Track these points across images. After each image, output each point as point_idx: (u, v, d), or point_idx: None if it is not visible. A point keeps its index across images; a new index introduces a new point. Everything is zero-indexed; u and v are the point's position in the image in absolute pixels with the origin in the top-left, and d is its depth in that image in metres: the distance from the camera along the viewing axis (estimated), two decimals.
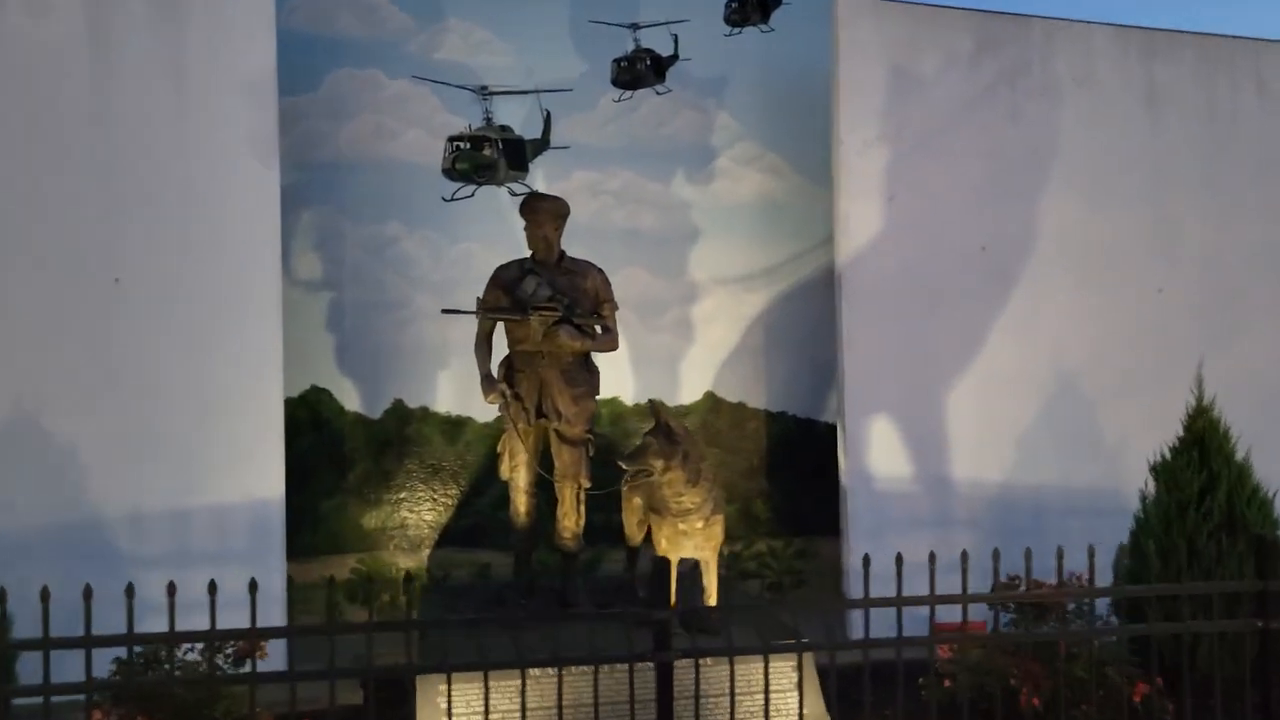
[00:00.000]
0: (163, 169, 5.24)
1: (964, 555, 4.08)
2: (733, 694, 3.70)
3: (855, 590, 3.95)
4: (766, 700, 3.78)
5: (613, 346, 5.34)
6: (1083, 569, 4.26)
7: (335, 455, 6.29)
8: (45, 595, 3.56)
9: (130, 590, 3.64)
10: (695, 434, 4.67)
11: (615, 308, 5.34)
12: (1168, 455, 5.09)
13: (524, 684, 3.65)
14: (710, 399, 6.73)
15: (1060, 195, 6.11)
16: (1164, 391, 6.10)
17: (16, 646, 3.72)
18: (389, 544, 6.35)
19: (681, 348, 6.73)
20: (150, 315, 5.23)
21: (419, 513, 6.39)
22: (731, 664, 3.70)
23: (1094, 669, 4.15)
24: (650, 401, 4.77)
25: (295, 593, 4.87)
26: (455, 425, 6.45)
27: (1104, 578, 4.48)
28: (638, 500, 5.10)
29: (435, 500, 6.39)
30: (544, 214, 5.25)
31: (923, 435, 6.03)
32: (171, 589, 3.65)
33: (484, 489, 6.45)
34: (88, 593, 3.57)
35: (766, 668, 3.80)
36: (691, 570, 5.06)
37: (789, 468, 6.84)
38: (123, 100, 5.20)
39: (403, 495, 6.38)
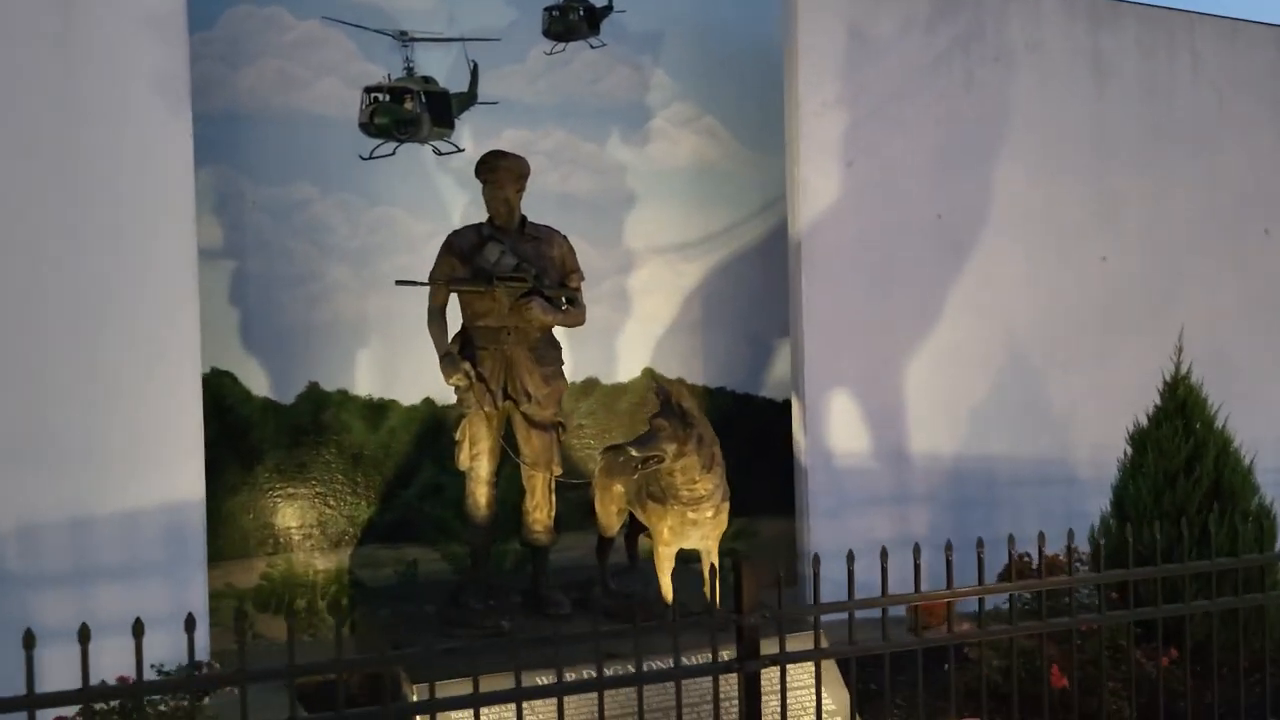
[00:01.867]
0: (46, 115, 4.40)
1: (979, 542, 3.82)
2: (784, 695, 3.36)
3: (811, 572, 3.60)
4: (819, 701, 3.47)
5: (581, 321, 4.90)
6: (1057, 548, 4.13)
7: (241, 446, 5.54)
8: None
9: (30, 640, 2.79)
10: (705, 415, 4.29)
11: (583, 278, 4.90)
12: (1143, 423, 5.07)
13: (561, 706, 3.15)
14: (648, 375, 6.34)
15: (1011, 163, 6.04)
16: (1109, 362, 6.19)
17: None
18: (305, 544, 5.66)
19: (618, 321, 6.30)
20: (38, 290, 4.38)
21: (338, 507, 5.73)
22: (784, 668, 3.35)
23: (1109, 648, 4.05)
24: (655, 382, 4.36)
25: None
26: (378, 409, 5.81)
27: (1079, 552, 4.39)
28: (618, 487, 4.68)
29: (356, 493, 5.74)
30: (505, 174, 4.73)
31: (880, 410, 5.86)
32: (85, 635, 2.78)
33: (410, 479, 5.86)
34: (29, 641, 2.81)
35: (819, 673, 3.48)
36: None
37: (728, 445, 6.45)
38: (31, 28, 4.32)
39: (319, 489, 5.69)
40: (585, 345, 6.12)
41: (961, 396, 6.00)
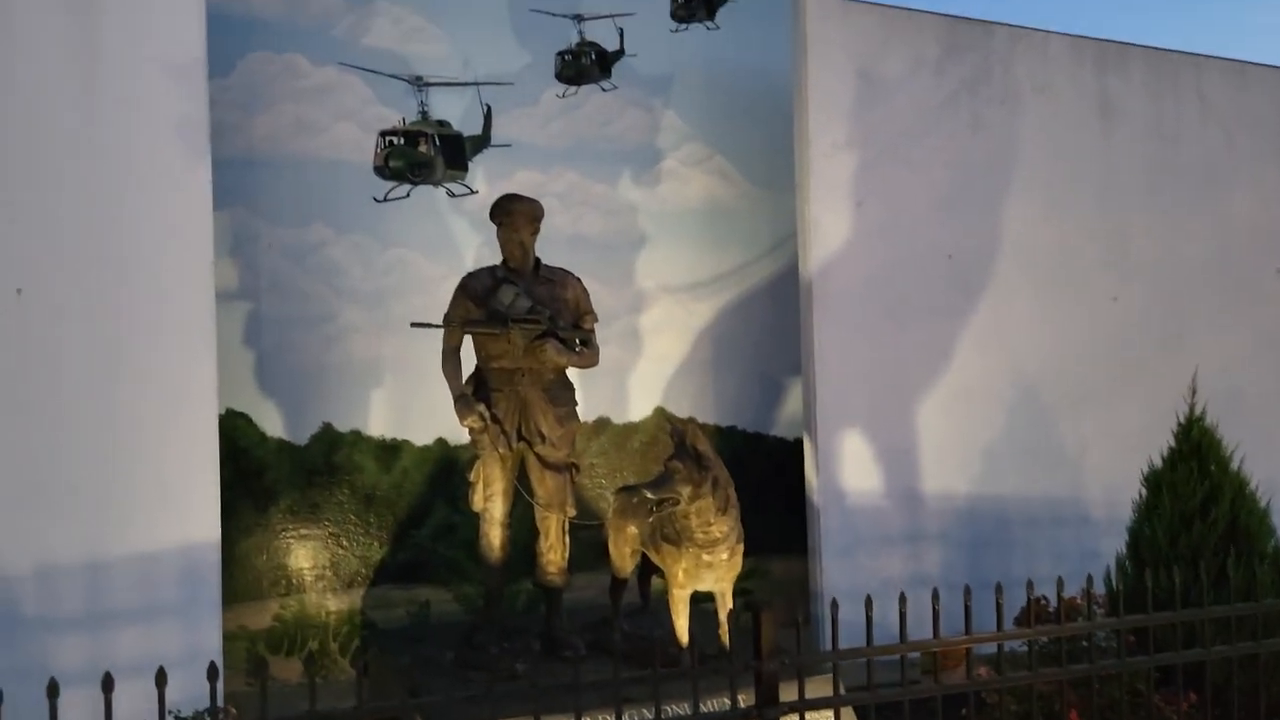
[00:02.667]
0: (72, 164, 4.45)
1: (998, 588, 3.84)
2: None
3: (825, 613, 3.61)
4: None
5: (595, 362, 4.93)
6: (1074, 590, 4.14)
7: (255, 488, 5.55)
8: None
9: (54, 690, 2.77)
10: (719, 456, 4.29)
11: (596, 319, 4.93)
12: (1157, 464, 5.05)
13: None
14: (660, 414, 6.36)
15: (1021, 204, 6.07)
16: (1120, 401, 6.19)
17: None
18: (318, 585, 5.66)
19: (630, 360, 6.32)
20: (58, 332, 4.42)
21: (350, 548, 5.73)
22: (802, 715, 3.34)
23: (1129, 693, 4.03)
24: (670, 424, 4.38)
25: None
26: (390, 450, 5.82)
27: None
28: (632, 529, 4.69)
29: (369, 534, 5.75)
30: (520, 216, 4.78)
31: (892, 449, 5.86)
32: (108, 684, 2.79)
33: (422, 520, 5.86)
34: (53, 691, 2.80)
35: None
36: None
37: (739, 484, 6.47)
38: (24, 82, 4.38)
39: (333, 530, 5.70)
40: (597, 384, 6.12)
41: (974, 436, 6.00)
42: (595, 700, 3.29)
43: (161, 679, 2.76)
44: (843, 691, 3.52)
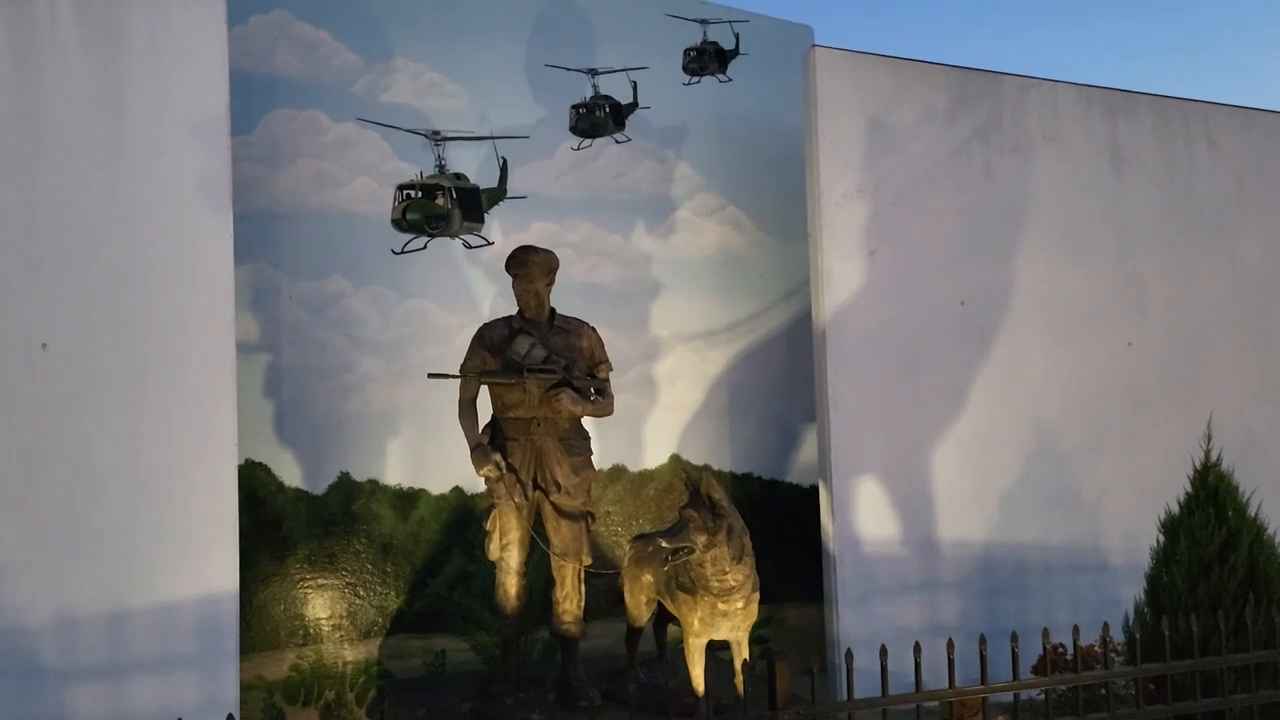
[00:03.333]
0: (97, 219, 4.54)
1: (1014, 636, 3.85)
2: None
3: (841, 663, 3.63)
4: None
5: (610, 410, 4.97)
6: (1080, 631, 4.12)
7: (273, 537, 5.59)
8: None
9: None
10: (734, 504, 4.31)
11: (611, 369, 4.98)
12: (1175, 510, 5.03)
13: None
14: (674, 461, 6.38)
15: (1033, 251, 6.10)
16: (1138, 447, 6.18)
17: None
18: (334, 634, 5.68)
19: (645, 408, 6.36)
20: (82, 386, 4.48)
21: (368, 598, 5.75)
22: None
23: None
24: (685, 472, 4.41)
25: None
26: (407, 499, 5.86)
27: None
28: (647, 577, 4.70)
29: (385, 583, 5.77)
30: (535, 268, 4.85)
31: (908, 496, 5.85)
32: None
33: (439, 568, 5.88)
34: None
35: None
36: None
37: (755, 531, 6.46)
38: (51, 140, 4.49)
39: (350, 579, 5.73)
40: (612, 432, 6.17)
41: (990, 483, 5.99)
42: None
43: None
44: None
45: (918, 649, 3.66)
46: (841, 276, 5.83)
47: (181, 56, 4.72)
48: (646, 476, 6.33)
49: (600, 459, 6.17)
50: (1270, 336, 6.57)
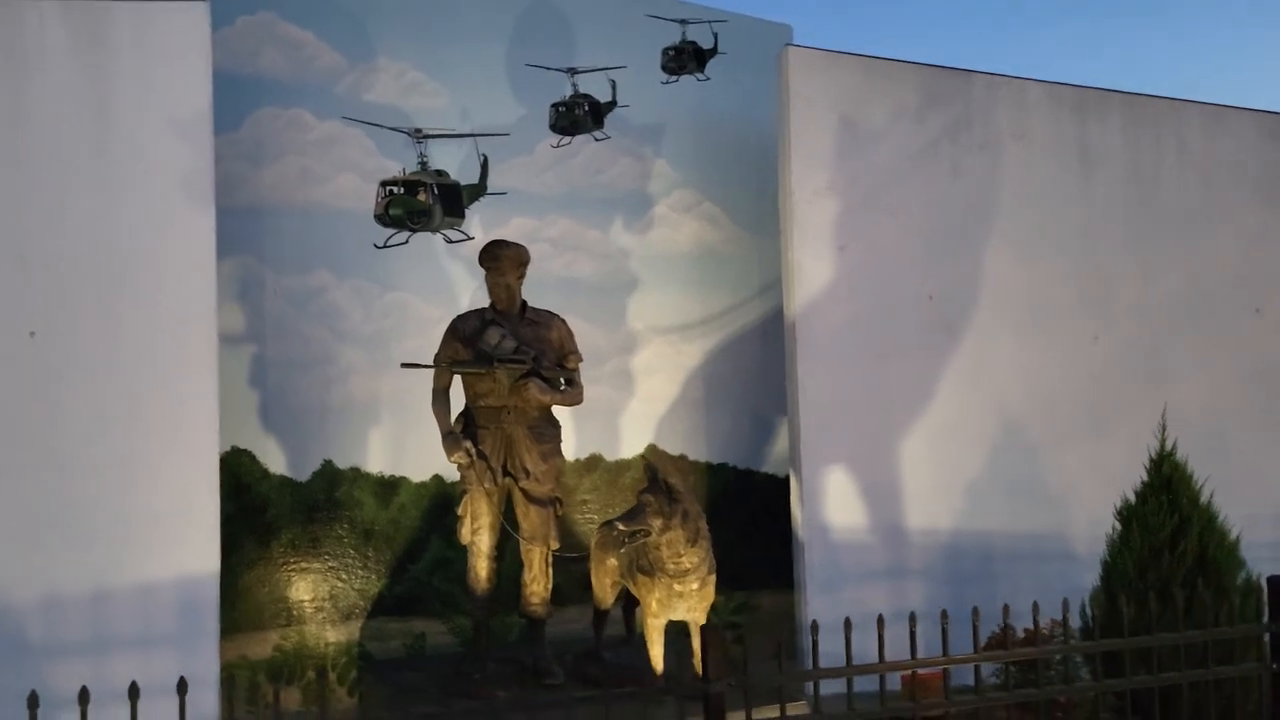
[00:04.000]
0: (84, 212, 4.72)
1: (975, 612, 4.02)
2: None
3: (810, 646, 3.81)
4: None
5: (579, 400, 5.14)
6: (1045, 617, 4.27)
7: (258, 522, 5.78)
8: None
9: (34, 701, 3.09)
10: (691, 490, 4.47)
11: (580, 359, 5.15)
12: (1131, 499, 5.17)
13: None
14: (651, 451, 6.54)
15: (999, 247, 6.23)
16: (1103, 438, 6.29)
17: None
18: (317, 616, 5.86)
19: (621, 400, 6.53)
20: (68, 373, 4.67)
21: (349, 581, 5.93)
22: None
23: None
24: (645, 459, 4.58)
25: None
26: (388, 486, 6.04)
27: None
28: (612, 561, 4.87)
29: (367, 567, 5.95)
30: (506, 262, 5.02)
31: (876, 486, 5.98)
32: (135, 692, 3.15)
33: (419, 554, 6.06)
34: (33, 701, 3.06)
35: None
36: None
37: (729, 520, 6.66)
38: (38, 135, 4.68)
39: (332, 563, 5.91)
40: (589, 423, 6.34)
41: (957, 473, 6.12)
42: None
43: (134, 692, 2.96)
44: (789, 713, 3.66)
45: (881, 621, 3.83)
46: (812, 272, 5.97)
47: (166, 56, 4.89)
48: (623, 466, 6.49)
49: (577, 449, 6.38)
50: (1237, 331, 6.68)
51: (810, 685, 4.11)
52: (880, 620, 3.87)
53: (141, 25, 4.88)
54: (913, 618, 3.90)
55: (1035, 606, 4.12)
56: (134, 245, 4.81)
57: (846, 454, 5.97)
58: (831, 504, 5.94)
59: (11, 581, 4.53)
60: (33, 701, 2.91)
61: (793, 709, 3.87)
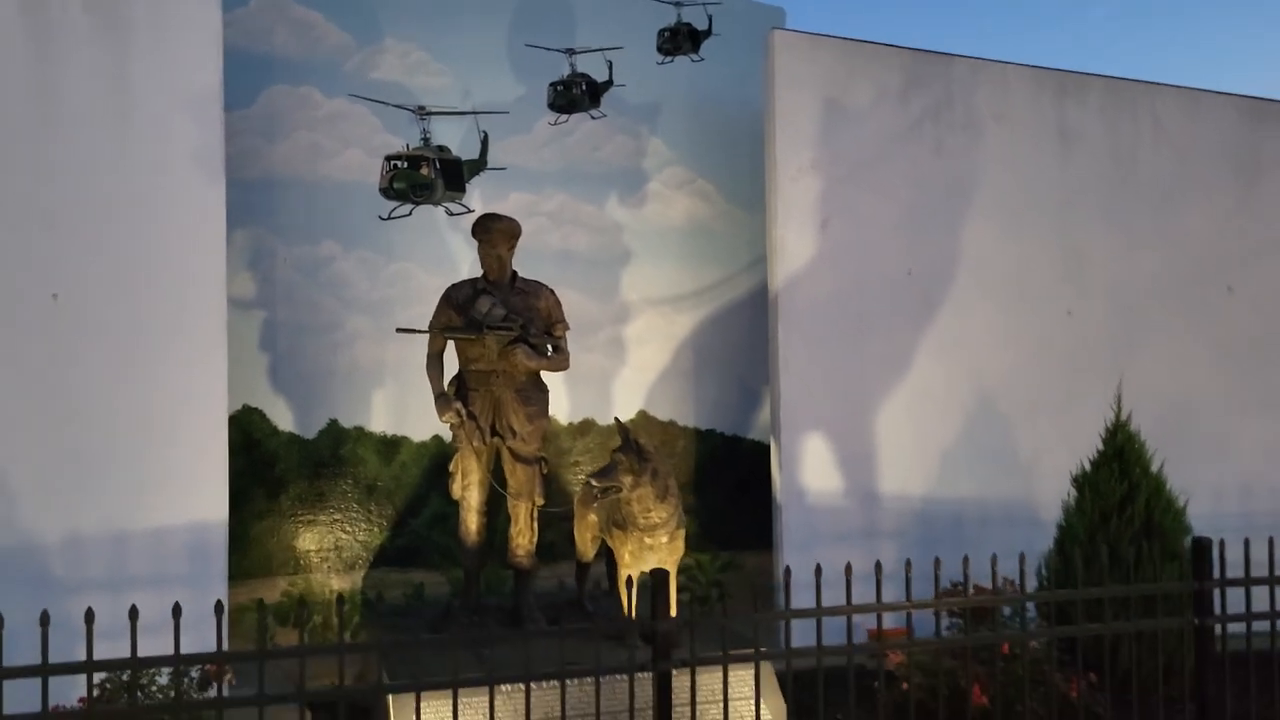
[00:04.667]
0: (104, 183, 5.09)
1: (936, 561, 4.31)
2: (726, 700, 3.81)
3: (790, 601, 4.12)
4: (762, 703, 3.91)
5: (565, 366, 5.43)
6: (1009, 574, 4.57)
7: (268, 476, 6.16)
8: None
9: (90, 616, 3.48)
10: (667, 453, 4.78)
11: (567, 328, 5.44)
12: (1088, 467, 5.44)
13: (492, 699, 3.64)
14: (642, 417, 6.85)
15: (979, 224, 6.47)
16: (1074, 408, 6.55)
17: None
18: (322, 565, 6.24)
19: (614, 367, 6.84)
20: (89, 333, 5.05)
21: (353, 533, 6.31)
22: (726, 671, 3.81)
23: (1030, 668, 4.42)
24: (617, 420, 4.88)
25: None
26: (390, 445, 6.40)
27: (1030, 583, 4.84)
28: (592, 516, 5.18)
29: (370, 521, 6.32)
30: (498, 234, 5.31)
31: (852, 452, 6.28)
32: (134, 613, 3.54)
33: (419, 509, 6.42)
34: (44, 619, 3.44)
35: (757, 673, 3.97)
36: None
37: (717, 484, 7.01)
38: (63, 111, 5.04)
39: (337, 516, 6.28)
40: (583, 389, 6.67)
41: (931, 441, 6.40)
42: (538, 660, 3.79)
43: (134, 614, 3.33)
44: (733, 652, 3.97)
45: (849, 569, 4.13)
46: (794, 246, 6.25)
47: (180, 35, 5.24)
48: (614, 430, 6.78)
49: (571, 413, 6.71)
50: (1209, 308, 6.89)
51: (781, 625, 4.44)
52: (848, 567, 4.16)
53: (157, 6, 5.22)
54: (879, 566, 4.20)
55: (994, 559, 4.40)
56: (150, 215, 5.17)
57: (825, 422, 6.26)
58: (809, 469, 6.25)
59: (37, 524, 4.93)
60: (44, 619, 3.27)
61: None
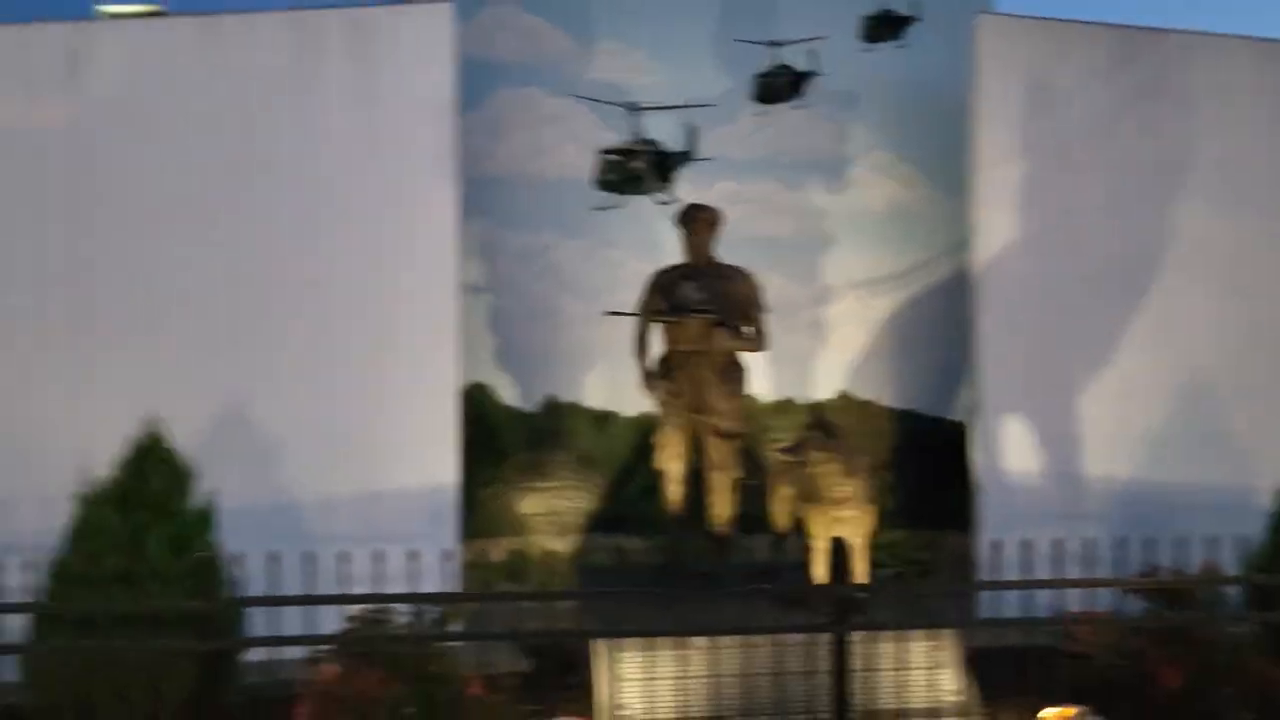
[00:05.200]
0: (354, 182, 5.78)
1: (1102, 545, 4.38)
2: (907, 669, 4.05)
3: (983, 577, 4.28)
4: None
5: (762, 347, 5.73)
6: (1214, 560, 4.54)
7: (492, 446, 6.77)
8: (275, 558, 4.08)
9: (343, 557, 4.09)
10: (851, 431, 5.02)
11: (765, 311, 5.72)
12: None
13: (685, 654, 4.01)
14: (842, 397, 7.06)
15: (1192, 205, 6.30)
16: None
17: (252, 602, 4.22)
18: (540, 529, 6.81)
19: (814, 348, 7.08)
20: (341, 317, 5.75)
21: (567, 500, 6.84)
22: (903, 640, 4.05)
23: (1231, 654, 4.39)
24: (811, 409, 5.17)
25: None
26: (603, 419, 6.90)
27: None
28: (786, 490, 5.46)
29: (583, 489, 6.84)
30: (701, 223, 5.67)
31: (1054, 434, 6.27)
32: (379, 557, 4.10)
33: (629, 479, 6.87)
34: (310, 558, 4.07)
35: (941, 643, 4.17)
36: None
37: (916, 463, 7.13)
38: (321, 120, 5.75)
39: (553, 484, 6.84)
40: (784, 369, 6.94)
41: (1139, 424, 6.29)
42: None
43: (413, 557, 3.91)
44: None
45: (1059, 544, 4.26)
46: (997, 229, 6.28)
47: (418, 49, 5.86)
48: (816, 410, 7.03)
49: (772, 391, 7.00)
50: None
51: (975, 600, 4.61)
52: (1058, 543, 4.28)
53: (398, 22, 5.85)
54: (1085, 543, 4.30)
55: (1200, 545, 4.40)
56: (392, 212, 5.82)
57: (1026, 403, 6.29)
58: (1010, 449, 6.29)
59: (297, 485, 5.67)
60: (345, 557, 3.90)
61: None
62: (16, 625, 4.32)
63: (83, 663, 4.00)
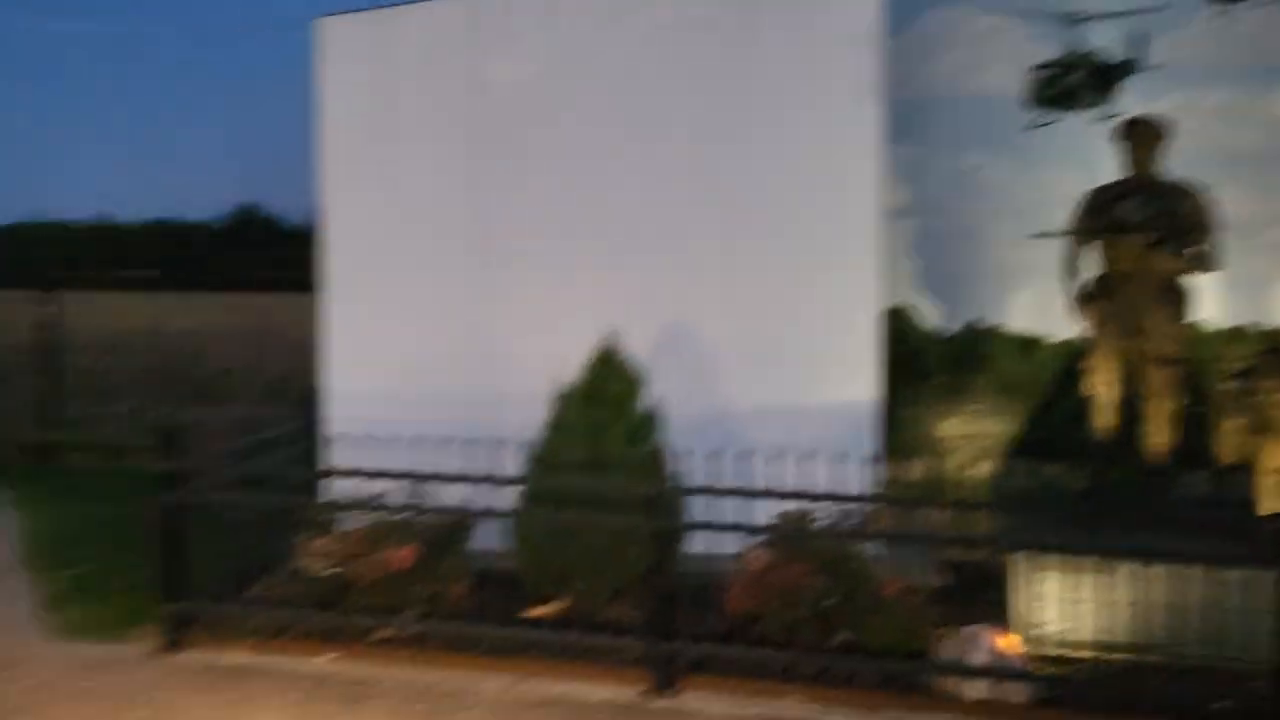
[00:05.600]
0: (787, 115, 6.08)
1: None
2: None
3: None
4: None
5: (1208, 269, 5.34)
6: None
7: (912, 369, 6.88)
8: (715, 455, 4.52)
9: (778, 458, 4.44)
10: None
11: (1213, 230, 5.33)
12: None
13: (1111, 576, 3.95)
14: None
15: None
16: None
17: (694, 492, 4.73)
18: (959, 452, 6.85)
19: (1274, 271, 6.46)
20: (770, 239, 6.13)
21: (986, 424, 6.81)
22: None
23: None
24: (1267, 335, 4.78)
25: None
26: (1026, 345, 6.77)
27: None
28: (1237, 420, 5.11)
29: (1004, 414, 6.76)
30: (1143, 136, 5.39)
31: None
32: (807, 458, 4.42)
33: (1054, 405, 6.70)
34: (745, 455, 4.44)
35: None
36: None
37: None
38: (756, 51, 6.09)
39: (972, 408, 6.82)
40: (1241, 293, 6.41)
41: None
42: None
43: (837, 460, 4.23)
44: None
45: None
46: None
47: None
48: (1272, 336, 6.43)
49: (1223, 319, 6.50)
50: None
51: None
52: None
53: None
54: None
55: None
56: (818, 136, 6.07)
57: None
58: None
59: (732, 397, 6.16)
60: (737, 455, 4.30)
61: None
62: (509, 500, 5.20)
63: (558, 533, 4.74)
